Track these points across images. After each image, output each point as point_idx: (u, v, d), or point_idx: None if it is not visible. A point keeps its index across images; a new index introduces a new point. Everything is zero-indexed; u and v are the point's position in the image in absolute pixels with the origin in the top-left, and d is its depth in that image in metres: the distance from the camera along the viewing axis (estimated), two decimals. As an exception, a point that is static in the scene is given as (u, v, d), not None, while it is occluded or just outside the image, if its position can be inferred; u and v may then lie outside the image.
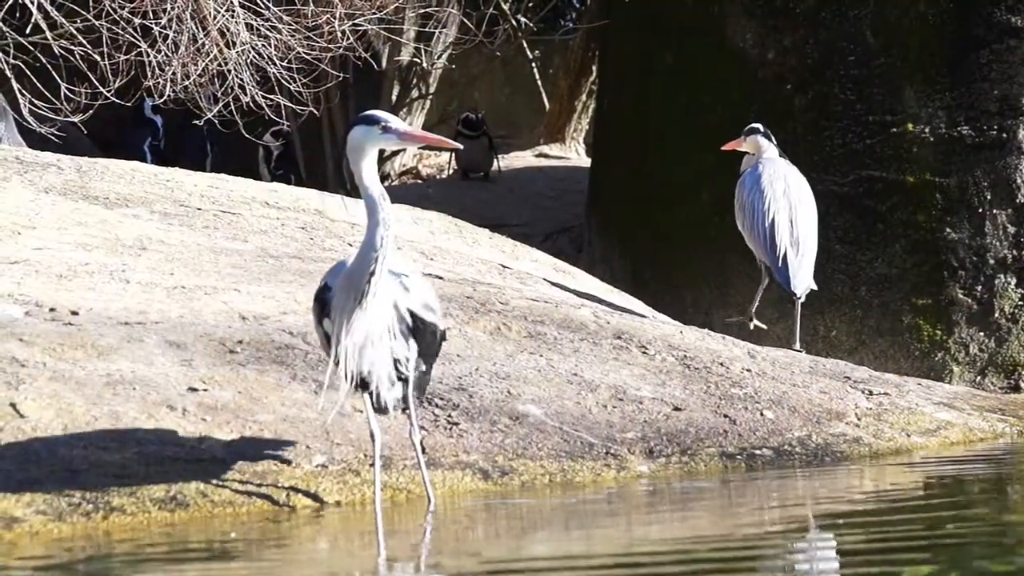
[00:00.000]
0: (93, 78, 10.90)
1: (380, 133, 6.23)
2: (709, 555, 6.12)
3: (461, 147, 6.61)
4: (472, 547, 6.38)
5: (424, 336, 6.47)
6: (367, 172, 6.24)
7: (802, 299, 9.78)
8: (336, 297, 6.30)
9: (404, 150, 18.63)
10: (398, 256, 6.59)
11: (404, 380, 6.53)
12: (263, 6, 11.26)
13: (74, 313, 7.84)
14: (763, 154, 9.85)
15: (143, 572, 5.95)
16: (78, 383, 7.16)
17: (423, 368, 6.54)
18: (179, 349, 7.56)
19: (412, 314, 6.39)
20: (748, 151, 9.89)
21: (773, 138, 9.89)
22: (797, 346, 9.89)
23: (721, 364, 8.41)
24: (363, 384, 6.45)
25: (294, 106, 11.62)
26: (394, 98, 17.84)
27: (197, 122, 11.55)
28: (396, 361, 6.42)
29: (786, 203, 9.75)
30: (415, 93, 18.20)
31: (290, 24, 11.29)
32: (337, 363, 6.31)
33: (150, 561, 6.12)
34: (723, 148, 9.98)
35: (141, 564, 6.07)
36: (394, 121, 6.27)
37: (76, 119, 10.87)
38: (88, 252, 8.93)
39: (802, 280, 9.73)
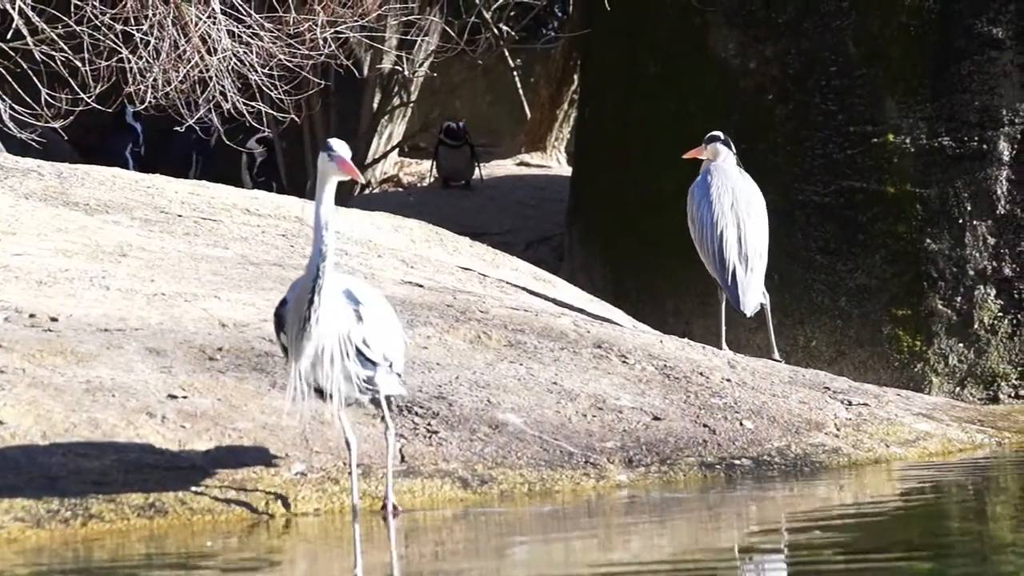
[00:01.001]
0: (74, 84, 10.87)
1: (328, 160, 6.36)
2: (688, 569, 6.12)
3: (363, 181, 6.74)
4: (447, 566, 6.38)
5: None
6: (323, 198, 6.35)
7: (751, 315, 9.68)
8: (287, 317, 6.43)
9: (385, 157, 18.62)
10: (359, 281, 6.66)
11: (373, 397, 6.60)
12: (245, 13, 11.24)
13: (54, 319, 7.82)
14: (716, 160, 9.72)
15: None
16: (57, 390, 7.14)
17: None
18: (159, 356, 7.55)
19: (359, 344, 6.47)
20: (708, 158, 9.83)
21: (732, 146, 9.84)
22: (776, 355, 9.87)
23: (701, 374, 8.42)
24: (323, 394, 6.52)
25: (276, 113, 11.61)
26: (375, 106, 17.83)
27: (178, 128, 11.52)
28: (356, 379, 6.47)
29: (734, 218, 9.58)
30: (396, 101, 18.17)
31: (272, 31, 11.28)
32: (295, 373, 6.42)
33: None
34: (684, 156, 9.96)
35: None
36: (338, 148, 6.36)
37: (57, 125, 10.84)
38: (68, 258, 8.91)
39: (751, 298, 9.57)
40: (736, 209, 9.61)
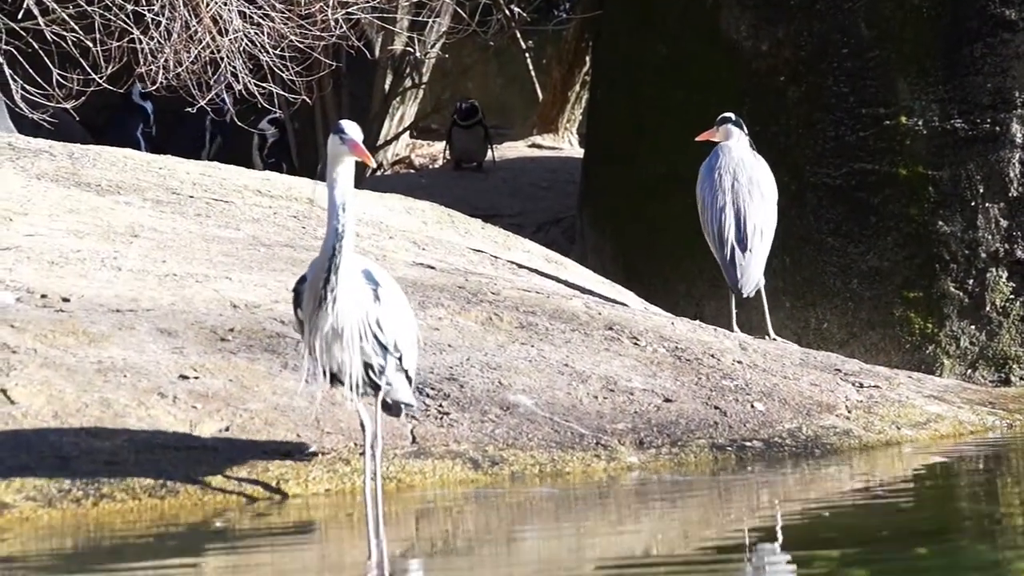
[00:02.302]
0: (85, 64, 10.87)
1: (339, 143, 6.34)
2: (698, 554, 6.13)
3: (374, 164, 6.69)
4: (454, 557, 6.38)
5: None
6: (336, 179, 6.33)
7: (750, 296, 9.63)
8: (304, 294, 6.41)
9: (397, 138, 18.61)
10: (374, 264, 6.64)
11: (384, 401, 6.58)
12: (256, -6, 11.23)
13: (65, 300, 7.83)
14: (727, 141, 9.69)
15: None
16: (69, 370, 7.15)
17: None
18: (170, 337, 7.56)
19: (373, 325, 6.44)
20: (721, 140, 9.81)
21: (744, 128, 9.82)
22: (772, 333, 9.83)
23: (712, 356, 8.41)
24: (336, 378, 6.50)
25: (287, 95, 11.61)
26: (387, 87, 17.81)
27: (190, 109, 11.51)
28: (368, 366, 6.45)
29: (732, 198, 9.52)
30: (408, 82, 18.16)
31: (283, 12, 11.27)
32: (310, 353, 6.41)
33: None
34: (697, 138, 9.94)
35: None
36: (350, 131, 6.34)
37: (68, 105, 10.84)
38: (80, 239, 8.92)
39: (750, 279, 9.50)
40: (737, 189, 9.57)
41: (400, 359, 6.52)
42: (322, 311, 6.35)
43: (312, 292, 6.38)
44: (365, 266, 6.51)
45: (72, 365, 7.18)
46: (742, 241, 9.52)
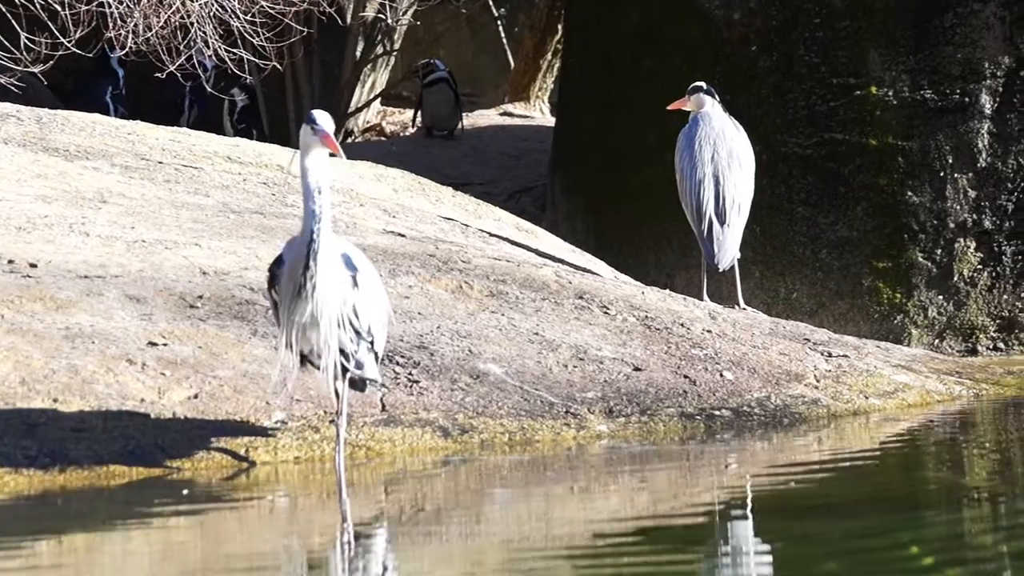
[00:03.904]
0: (54, 28, 10.80)
1: (311, 133, 6.32)
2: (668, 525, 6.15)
3: (344, 157, 6.66)
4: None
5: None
6: (308, 168, 6.30)
7: (726, 270, 9.57)
8: (282, 279, 6.36)
9: (368, 106, 18.55)
10: (351, 246, 6.59)
11: (351, 377, 6.54)
12: (227, -41, 11.16)
13: (33, 265, 7.80)
14: (701, 109, 9.61)
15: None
16: (36, 336, 7.12)
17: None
18: (139, 303, 7.53)
19: (349, 313, 6.41)
20: (692, 109, 9.75)
21: (716, 95, 9.77)
22: (741, 303, 9.81)
23: (682, 325, 8.43)
24: (306, 358, 6.46)
25: (258, 61, 11.55)
26: (358, 54, 17.75)
27: (159, 75, 11.45)
28: (342, 352, 6.41)
29: (712, 170, 9.45)
30: (380, 49, 18.10)
31: (254, -23, 11.21)
32: (286, 342, 6.36)
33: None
34: (668, 107, 9.90)
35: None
36: (322, 122, 6.32)
37: (36, 69, 10.77)
38: (47, 204, 8.87)
39: (727, 253, 9.42)
40: (716, 160, 9.51)
41: (372, 343, 6.50)
42: (301, 299, 6.29)
43: (291, 279, 6.32)
44: (344, 249, 6.45)
45: (39, 331, 7.16)
46: (720, 215, 9.45)
